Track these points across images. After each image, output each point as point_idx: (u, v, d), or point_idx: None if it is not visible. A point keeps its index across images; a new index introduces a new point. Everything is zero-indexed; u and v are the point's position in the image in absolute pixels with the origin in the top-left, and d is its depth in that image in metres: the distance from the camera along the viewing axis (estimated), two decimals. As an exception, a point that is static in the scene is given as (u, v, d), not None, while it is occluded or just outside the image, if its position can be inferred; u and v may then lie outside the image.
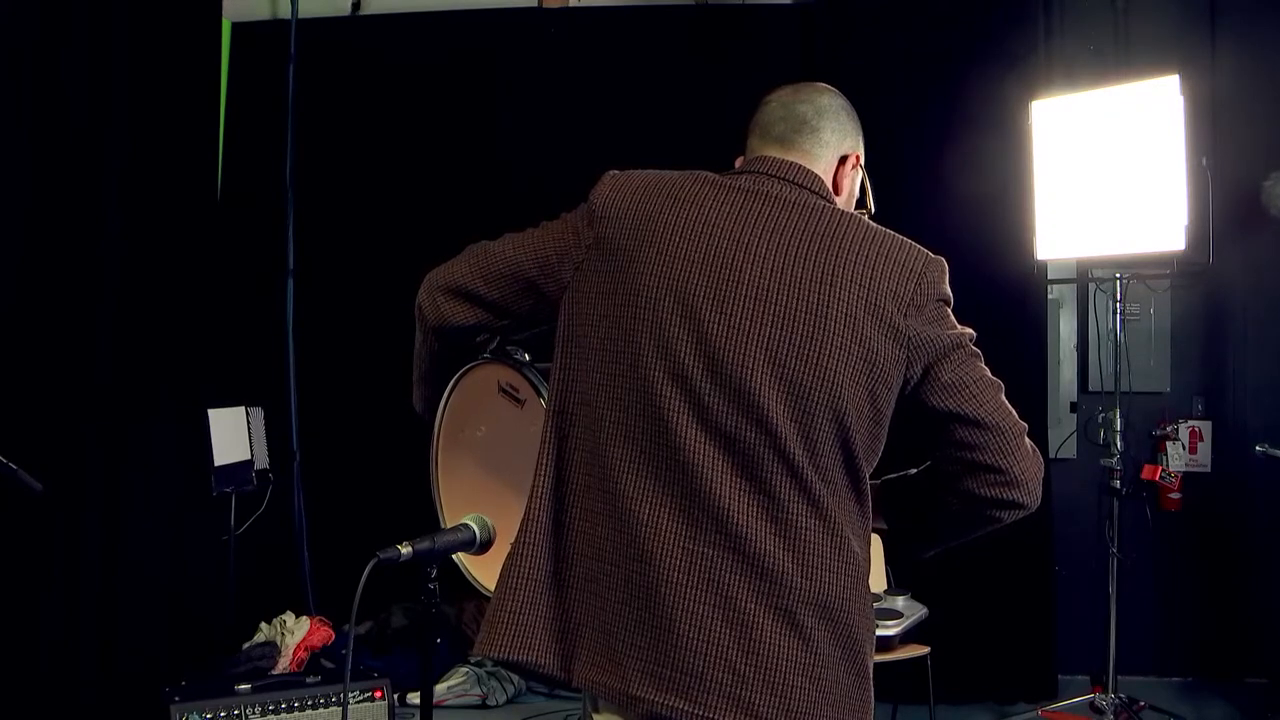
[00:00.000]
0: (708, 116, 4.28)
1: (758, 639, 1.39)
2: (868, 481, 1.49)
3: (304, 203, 4.72)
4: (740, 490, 1.41)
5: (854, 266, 1.44)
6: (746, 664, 1.38)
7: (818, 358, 1.41)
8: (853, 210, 1.64)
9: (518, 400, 1.76)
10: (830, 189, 1.58)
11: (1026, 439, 1.49)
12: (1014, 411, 1.49)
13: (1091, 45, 4.47)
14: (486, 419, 1.85)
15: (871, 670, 1.49)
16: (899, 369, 1.44)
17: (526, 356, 1.77)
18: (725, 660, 1.38)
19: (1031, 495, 1.49)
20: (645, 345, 1.44)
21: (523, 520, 1.52)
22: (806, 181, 1.54)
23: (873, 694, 1.48)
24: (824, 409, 1.41)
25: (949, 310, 1.50)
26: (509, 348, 1.77)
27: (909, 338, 1.44)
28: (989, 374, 1.50)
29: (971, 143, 4.11)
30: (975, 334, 1.52)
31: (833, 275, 1.43)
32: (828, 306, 1.42)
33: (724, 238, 1.46)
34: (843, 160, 1.61)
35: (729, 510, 1.40)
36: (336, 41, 4.78)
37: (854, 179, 1.64)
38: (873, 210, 1.69)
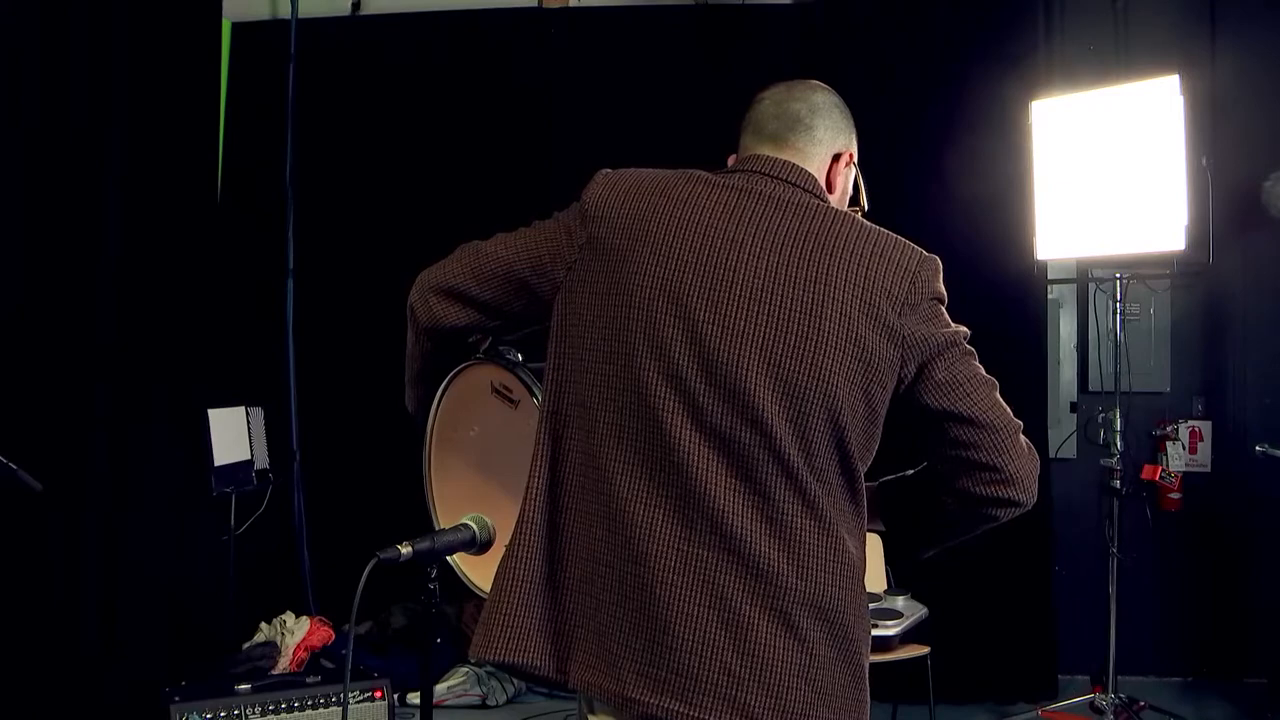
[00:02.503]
0: (707, 116, 4.27)
1: (753, 640, 1.38)
2: (863, 481, 1.48)
3: (304, 203, 4.72)
4: (735, 491, 1.40)
5: (848, 265, 1.43)
6: (741, 665, 1.38)
7: (813, 357, 1.40)
8: (846, 208, 1.63)
9: (511, 401, 1.76)
10: (824, 187, 1.58)
11: (1021, 436, 1.49)
12: (1008, 409, 1.49)
13: (1091, 45, 4.46)
14: (479, 420, 1.85)
15: (867, 670, 1.49)
16: (893, 368, 1.44)
17: (519, 357, 1.76)
18: (720, 662, 1.38)
19: (1027, 492, 1.49)
20: (639, 346, 1.43)
21: (517, 522, 1.51)
22: (800, 180, 1.54)
23: (869, 694, 1.48)
24: (819, 409, 1.40)
25: (943, 308, 1.50)
26: (501, 348, 1.77)
27: (903, 336, 1.43)
28: (983, 372, 1.50)
29: (971, 143, 4.11)
30: (969, 332, 1.52)
31: (827, 274, 1.42)
32: (822, 305, 1.41)
33: (718, 236, 1.45)
34: (836, 158, 1.60)
35: (724, 511, 1.40)
36: (336, 41, 4.79)
37: (847, 177, 1.64)
38: (865, 208, 1.69)
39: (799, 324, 1.41)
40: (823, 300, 1.41)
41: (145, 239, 3.77)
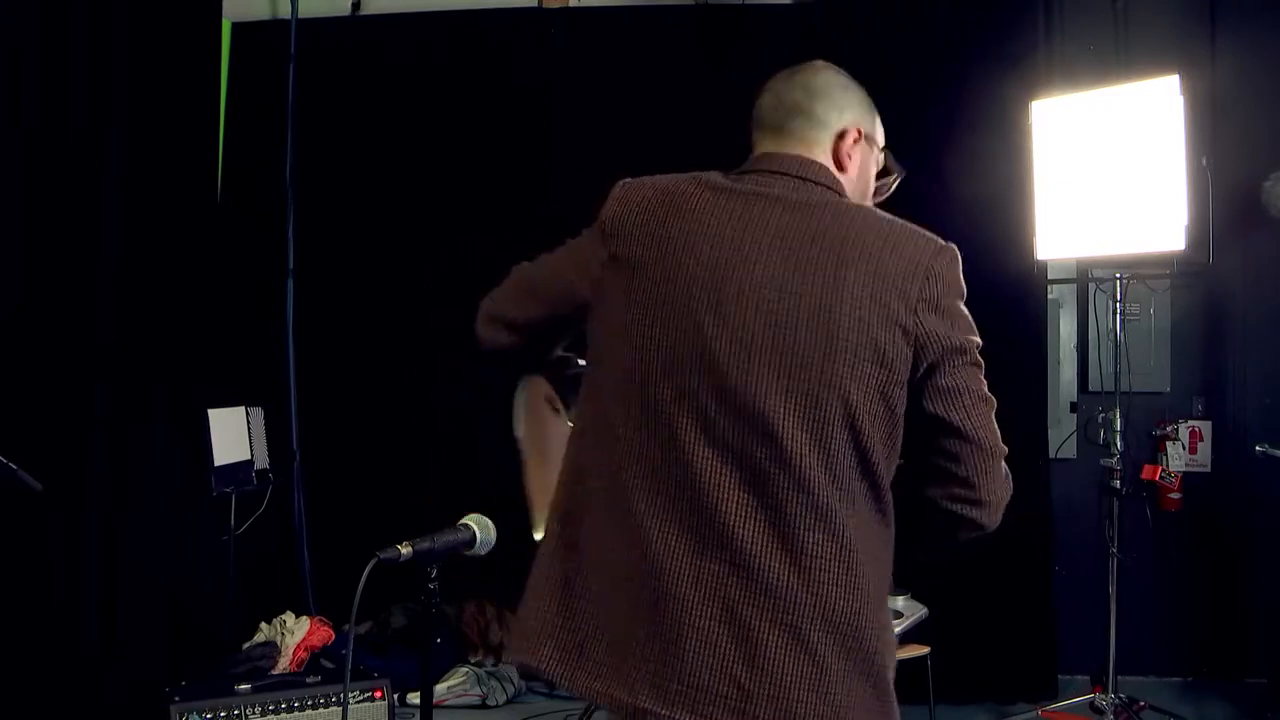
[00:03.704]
0: (707, 116, 4.29)
1: (763, 655, 1.37)
2: (888, 488, 1.46)
3: (304, 203, 4.72)
4: (747, 506, 1.40)
5: (859, 264, 1.42)
6: (752, 680, 1.37)
7: (827, 364, 1.39)
8: (872, 184, 1.62)
9: (557, 410, 1.82)
10: (834, 172, 1.55)
11: (1003, 462, 1.49)
12: (998, 432, 1.49)
13: (1091, 45, 4.46)
14: (542, 425, 1.90)
15: (892, 679, 1.46)
16: (907, 366, 1.43)
17: (581, 363, 1.82)
18: (730, 675, 1.38)
19: (993, 519, 1.48)
20: (654, 363, 1.44)
21: (544, 530, 1.55)
22: (807, 173, 1.52)
23: (895, 706, 1.46)
24: (838, 416, 1.39)
25: (960, 305, 1.47)
26: (562, 354, 1.81)
27: (915, 335, 1.42)
28: (985, 388, 1.48)
29: (971, 143, 4.10)
30: (981, 342, 1.50)
31: (838, 276, 1.41)
32: (835, 310, 1.40)
33: (727, 248, 1.44)
34: (841, 136, 1.57)
35: (734, 527, 1.39)
36: (336, 41, 4.79)
37: (862, 154, 1.60)
38: (902, 173, 1.67)
39: (811, 332, 1.40)
40: (835, 305, 1.40)
41: (145, 239, 3.77)
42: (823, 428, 1.39)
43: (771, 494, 1.39)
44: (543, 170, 4.58)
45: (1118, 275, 4.03)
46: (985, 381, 1.49)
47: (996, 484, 1.46)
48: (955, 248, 1.49)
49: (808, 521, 1.39)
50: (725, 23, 4.58)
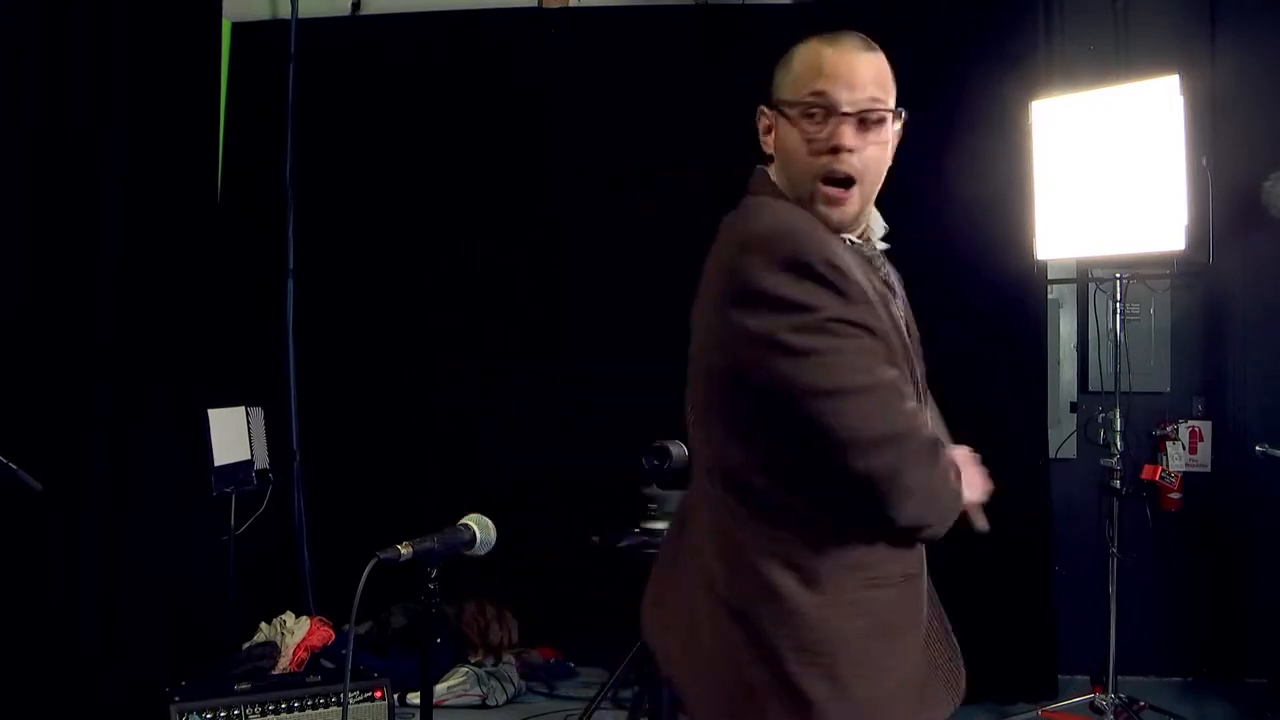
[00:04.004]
0: (707, 116, 4.29)
1: (702, 635, 1.48)
2: (785, 495, 1.39)
3: (304, 203, 4.73)
4: (701, 509, 1.53)
5: (702, 282, 1.46)
6: (691, 650, 1.50)
7: (697, 390, 1.50)
8: (800, 144, 1.45)
9: None
10: (766, 167, 1.56)
11: (905, 446, 1.30)
12: (870, 416, 1.28)
13: (1091, 45, 4.46)
14: None
15: (802, 676, 1.37)
16: (739, 375, 1.36)
17: None
18: (689, 644, 1.50)
19: (900, 510, 1.31)
20: None
21: None
22: (748, 188, 1.57)
23: (811, 694, 1.37)
24: (719, 436, 1.47)
25: (768, 286, 1.29)
26: None
27: (730, 341, 1.35)
28: (821, 377, 1.28)
29: (971, 143, 4.10)
30: (825, 316, 1.29)
31: (701, 299, 1.47)
32: (694, 335, 1.49)
33: None
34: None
35: (697, 527, 1.54)
36: (336, 41, 4.79)
37: (781, 129, 1.49)
38: (827, 106, 1.49)
39: (693, 360, 1.50)
40: (694, 329, 1.49)
41: (145, 239, 3.77)
42: (719, 447, 1.47)
43: (709, 502, 1.51)
44: (543, 170, 4.58)
45: (1118, 275, 4.03)
46: (839, 364, 1.30)
47: (882, 476, 1.29)
48: (771, 226, 1.36)
49: (717, 529, 1.48)
50: (725, 23, 4.58)
